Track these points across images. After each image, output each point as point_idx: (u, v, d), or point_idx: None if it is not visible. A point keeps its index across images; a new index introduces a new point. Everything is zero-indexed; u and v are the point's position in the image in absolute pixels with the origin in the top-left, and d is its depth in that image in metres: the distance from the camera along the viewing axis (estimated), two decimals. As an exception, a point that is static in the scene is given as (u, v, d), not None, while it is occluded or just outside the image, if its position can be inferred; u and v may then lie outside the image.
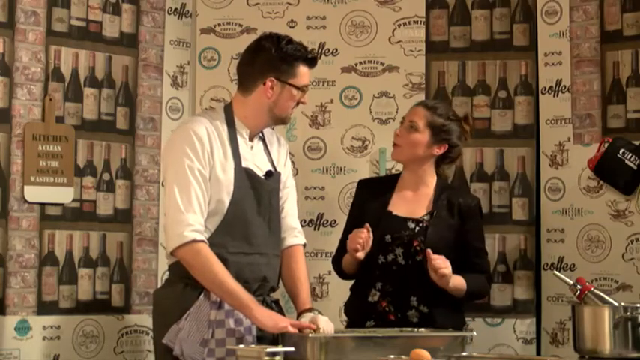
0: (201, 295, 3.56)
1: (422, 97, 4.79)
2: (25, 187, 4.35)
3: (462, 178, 4.80)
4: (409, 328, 3.68)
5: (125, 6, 4.72)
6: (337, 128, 4.86)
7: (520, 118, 4.81)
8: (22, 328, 4.32)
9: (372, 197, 4.10)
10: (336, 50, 4.88)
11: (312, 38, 4.89)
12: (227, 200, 3.60)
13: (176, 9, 4.89)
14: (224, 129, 3.67)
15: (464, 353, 3.35)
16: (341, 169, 4.84)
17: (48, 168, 4.41)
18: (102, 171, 4.61)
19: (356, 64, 4.88)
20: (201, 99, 4.91)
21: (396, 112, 4.82)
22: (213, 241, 3.57)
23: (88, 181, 4.56)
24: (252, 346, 3.35)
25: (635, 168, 4.42)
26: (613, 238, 4.50)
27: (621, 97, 4.55)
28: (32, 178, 4.37)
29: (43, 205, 4.41)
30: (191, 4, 4.93)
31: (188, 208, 3.53)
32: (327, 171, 4.84)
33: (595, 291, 3.56)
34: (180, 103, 4.89)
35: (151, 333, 4.67)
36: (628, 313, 3.42)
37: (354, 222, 4.06)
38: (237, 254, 3.59)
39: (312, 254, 4.58)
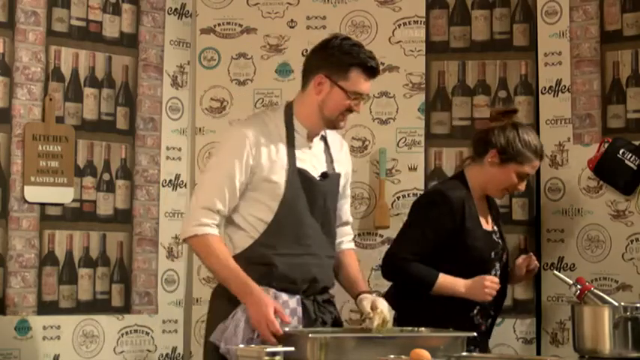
0: None
1: (422, 97, 4.79)
2: (25, 187, 4.35)
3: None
4: (409, 328, 3.69)
5: (125, 6, 4.72)
6: (337, 128, 4.86)
7: (520, 117, 4.79)
8: (22, 328, 4.32)
9: (465, 214, 3.97)
10: (336, 50, 4.88)
11: (312, 38, 4.88)
12: (277, 201, 3.57)
13: (176, 9, 4.89)
14: (281, 129, 3.62)
15: (464, 353, 3.34)
16: (341, 169, 4.84)
17: (48, 168, 4.41)
18: (102, 171, 4.61)
19: (356, 64, 4.88)
20: (201, 99, 4.91)
21: (396, 112, 4.82)
22: (262, 243, 3.57)
23: (88, 181, 4.57)
24: (252, 346, 3.35)
25: (635, 168, 4.42)
26: (613, 238, 4.50)
27: (621, 97, 4.55)
28: (32, 178, 4.37)
29: (43, 205, 4.41)
30: (191, 4, 4.93)
31: (204, 205, 3.55)
32: (327, 171, 4.84)
33: (595, 291, 3.56)
34: (180, 103, 4.89)
35: (151, 333, 4.68)
36: (628, 313, 3.42)
37: (444, 235, 3.93)
38: (286, 255, 3.57)
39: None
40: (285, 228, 3.57)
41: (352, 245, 3.87)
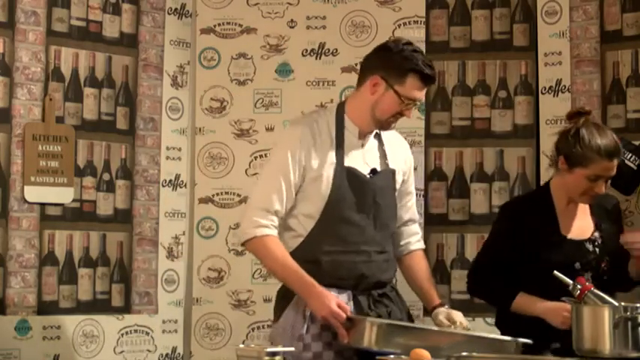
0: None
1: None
2: (25, 187, 4.35)
3: (462, 178, 4.80)
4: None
5: (125, 6, 4.72)
6: (337, 128, 4.85)
7: (520, 118, 4.81)
8: (22, 328, 4.32)
9: (537, 223, 3.87)
10: (336, 50, 4.88)
11: (312, 38, 4.89)
12: (324, 200, 3.60)
13: (176, 9, 4.89)
14: (332, 128, 3.65)
15: (464, 353, 3.34)
16: (341, 169, 4.84)
17: (48, 168, 4.41)
18: (102, 171, 4.61)
19: (356, 64, 4.86)
20: (201, 99, 4.91)
21: (396, 112, 4.82)
22: (310, 241, 3.61)
23: (88, 181, 4.57)
24: (252, 346, 3.36)
25: (635, 168, 4.41)
26: (613, 238, 4.49)
27: (621, 97, 4.55)
28: (32, 178, 4.37)
29: (43, 205, 4.41)
30: (191, 4, 4.93)
31: (261, 206, 3.59)
32: (327, 171, 4.84)
33: (595, 291, 3.55)
34: (180, 103, 4.89)
35: (151, 333, 4.68)
36: (628, 313, 3.41)
37: (514, 249, 3.85)
38: (331, 253, 3.59)
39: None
40: (331, 226, 3.60)
41: (421, 245, 3.86)
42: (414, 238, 3.85)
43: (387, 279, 3.73)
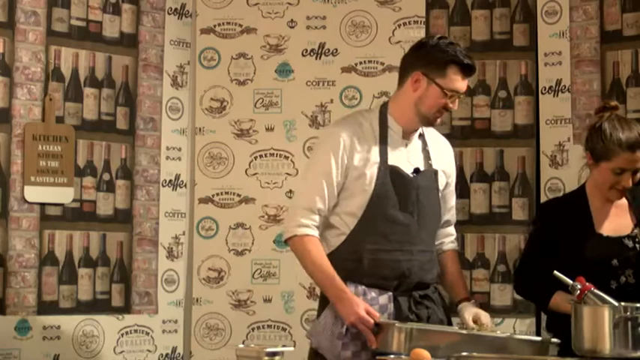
0: None
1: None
2: (25, 187, 4.35)
3: (462, 178, 4.80)
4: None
5: (125, 6, 4.72)
6: (337, 128, 4.85)
7: (520, 118, 4.81)
8: (22, 328, 4.32)
9: (571, 222, 3.86)
10: (336, 50, 4.88)
11: (312, 38, 4.89)
12: (367, 198, 3.61)
13: (176, 9, 4.89)
14: (375, 128, 3.66)
15: (464, 353, 3.34)
16: (341, 169, 4.83)
17: (48, 168, 4.42)
18: (102, 171, 4.62)
19: (356, 64, 4.88)
20: (202, 99, 4.91)
21: (396, 112, 4.81)
22: (352, 239, 3.62)
23: (88, 181, 4.57)
24: (252, 346, 3.36)
25: (635, 168, 4.41)
26: (613, 238, 4.49)
27: (621, 97, 4.55)
28: (32, 178, 4.37)
29: (43, 205, 4.41)
30: (191, 4, 4.93)
31: (304, 205, 3.61)
32: (327, 171, 4.84)
33: (595, 291, 3.54)
34: (180, 103, 4.89)
35: (151, 333, 4.68)
36: (628, 313, 3.40)
37: (551, 248, 3.85)
38: (374, 251, 3.61)
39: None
40: (374, 224, 3.61)
41: (454, 246, 3.87)
42: (448, 239, 3.85)
43: (429, 280, 3.72)
